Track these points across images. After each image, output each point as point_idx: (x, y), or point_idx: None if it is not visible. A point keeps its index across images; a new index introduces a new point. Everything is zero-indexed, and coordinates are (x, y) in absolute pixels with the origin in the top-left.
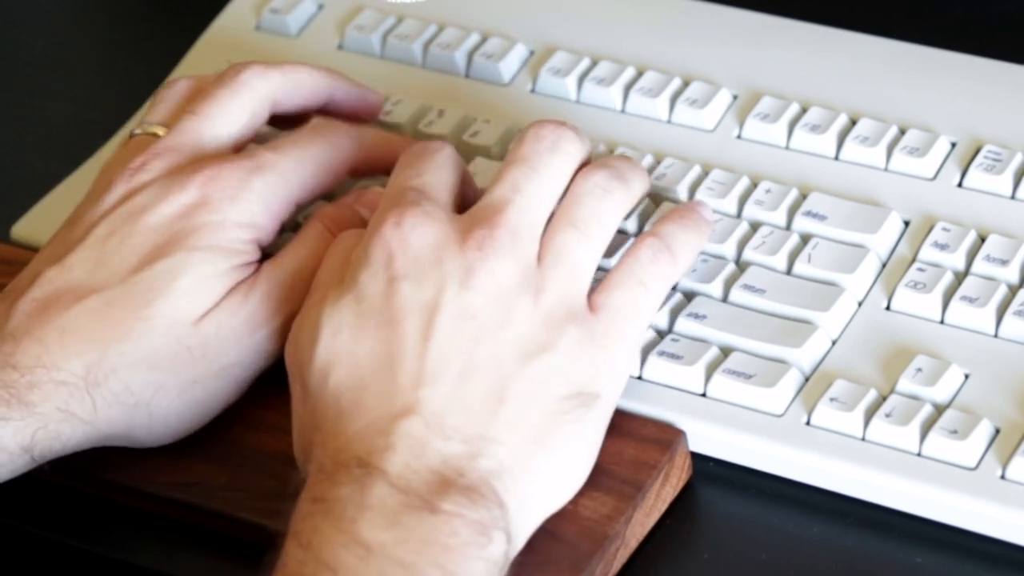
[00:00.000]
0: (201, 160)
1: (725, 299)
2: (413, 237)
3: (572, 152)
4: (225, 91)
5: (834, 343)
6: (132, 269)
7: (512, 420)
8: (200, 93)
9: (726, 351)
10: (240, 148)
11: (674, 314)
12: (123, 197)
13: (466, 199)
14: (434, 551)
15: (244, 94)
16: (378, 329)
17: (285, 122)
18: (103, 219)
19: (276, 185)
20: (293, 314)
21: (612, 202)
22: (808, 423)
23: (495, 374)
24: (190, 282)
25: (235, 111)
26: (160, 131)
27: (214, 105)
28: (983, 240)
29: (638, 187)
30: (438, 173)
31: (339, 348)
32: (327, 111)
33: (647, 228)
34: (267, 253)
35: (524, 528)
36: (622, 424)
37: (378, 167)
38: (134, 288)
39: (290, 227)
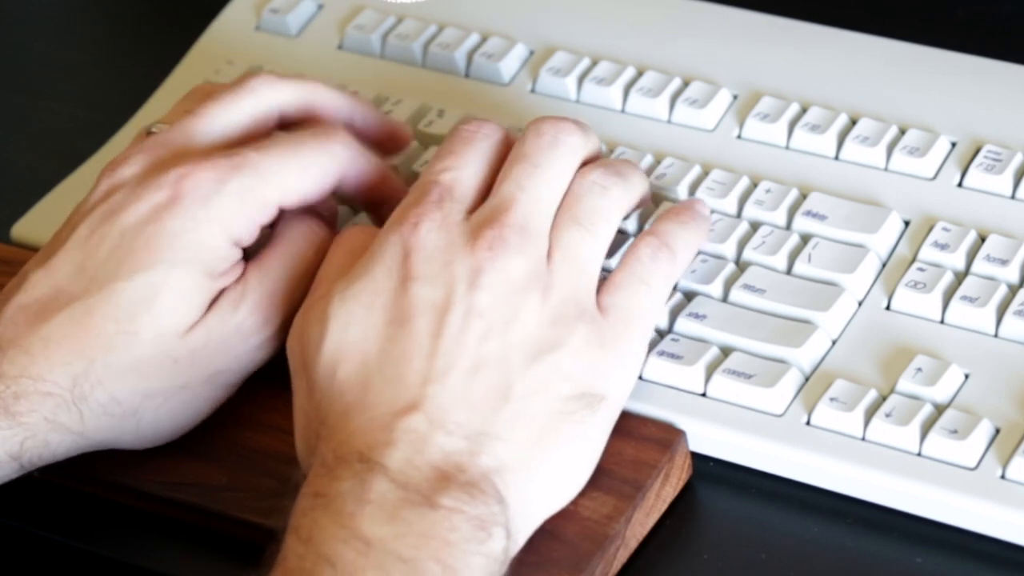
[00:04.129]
0: (180, 156)
1: (725, 299)
2: (428, 240)
3: (573, 144)
4: (229, 94)
5: (834, 343)
6: (111, 277)
7: (515, 418)
8: (209, 95)
9: (726, 351)
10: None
11: (674, 314)
12: (105, 193)
13: None
14: (433, 546)
15: (248, 98)
16: (388, 327)
17: None
18: (85, 218)
19: (253, 186)
20: (284, 322)
21: (611, 199)
22: (808, 423)
23: (501, 371)
24: (172, 298)
25: (234, 113)
26: (161, 128)
27: (214, 106)
28: (983, 240)
29: (637, 184)
30: (473, 166)
31: (348, 343)
32: None
33: (647, 228)
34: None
35: (524, 526)
36: (622, 424)
37: (367, 196)
38: (115, 299)
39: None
